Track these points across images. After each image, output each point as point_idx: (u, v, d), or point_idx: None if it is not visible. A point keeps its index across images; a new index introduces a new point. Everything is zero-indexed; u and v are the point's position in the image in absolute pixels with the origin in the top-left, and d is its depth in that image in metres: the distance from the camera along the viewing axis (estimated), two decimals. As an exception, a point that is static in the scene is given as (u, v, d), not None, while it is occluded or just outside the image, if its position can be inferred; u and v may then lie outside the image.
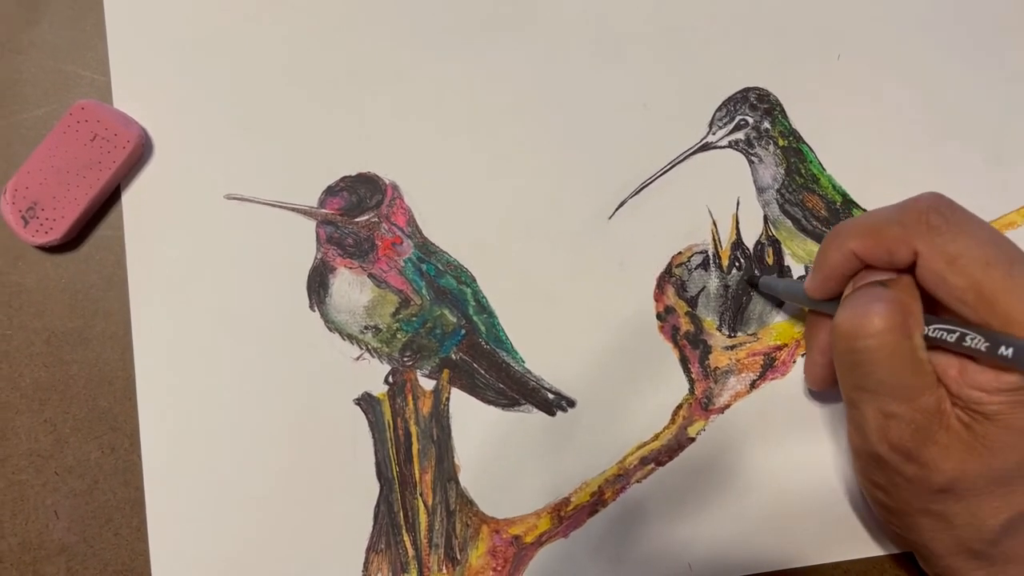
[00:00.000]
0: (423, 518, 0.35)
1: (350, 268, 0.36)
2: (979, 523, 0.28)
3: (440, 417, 0.35)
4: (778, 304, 0.36)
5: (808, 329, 0.34)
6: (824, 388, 0.34)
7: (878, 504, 0.32)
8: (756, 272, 0.36)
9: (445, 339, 0.36)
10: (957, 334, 0.27)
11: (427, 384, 0.36)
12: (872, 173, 0.38)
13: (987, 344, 0.26)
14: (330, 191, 0.36)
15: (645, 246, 0.37)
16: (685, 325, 0.36)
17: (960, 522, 0.29)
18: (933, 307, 0.29)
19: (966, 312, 0.27)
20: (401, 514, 0.35)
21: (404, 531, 0.35)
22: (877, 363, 0.28)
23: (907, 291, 0.28)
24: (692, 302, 0.36)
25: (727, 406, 0.36)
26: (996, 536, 0.28)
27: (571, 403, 0.36)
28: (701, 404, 0.36)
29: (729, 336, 0.36)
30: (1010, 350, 0.26)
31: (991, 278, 0.26)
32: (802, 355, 0.36)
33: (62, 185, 0.34)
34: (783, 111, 0.38)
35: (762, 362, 0.36)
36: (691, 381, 0.36)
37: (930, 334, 0.28)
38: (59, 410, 0.35)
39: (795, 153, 0.38)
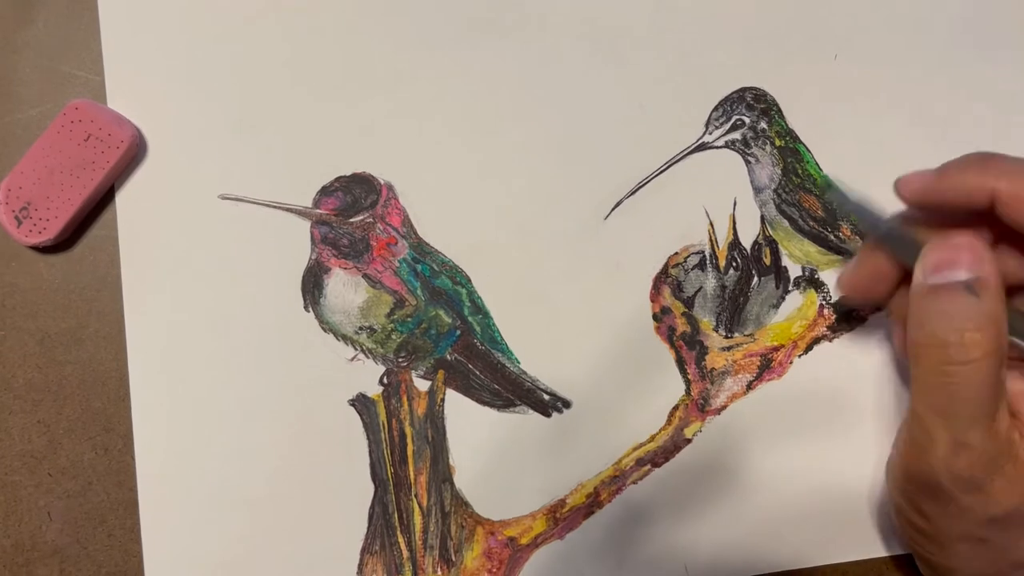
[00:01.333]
0: (418, 519, 0.35)
1: (345, 269, 0.36)
2: (1019, 550, 0.27)
3: (435, 418, 0.35)
4: (771, 305, 0.36)
5: (866, 246, 0.31)
6: (853, 302, 0.32)
7: (913, 528, 0.30)
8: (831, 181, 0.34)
9: (440, 340, 0.36)
10: None
11: (422, 385, 0.36)
12: (869, 173, 0.37)
13: None
14: (325, 191, 0.36)
15: (641, 246, 0.37)
16: (681, 326, 0.36)
17: (1000, 547, 0.28)
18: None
19: None
20: (396, 515, 0.34)
21: (399, 532, 0.34)
22: (969, 387, 0.26)
23: (999, 299, 0.26)
24: (688, 303, 0.36)
25: (723, 407, 0.36)
26: None
27: (567, 404, 0.35)
28: (697, 405, 0.36)
29: (726, 337, 0.36)
30: None
31: None
32: (799, 356, 0.36)
33: (56, 185, 0.34)
34: (780, 111, 0.38)
35: (759, 363, 0.36)
36: (687, 382, 0.36)
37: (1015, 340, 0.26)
38: (52, 411, 0.35)
39: (792, 153, 0.37)
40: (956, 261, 0.26)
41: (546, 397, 0.35)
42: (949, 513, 0.28)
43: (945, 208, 0.28)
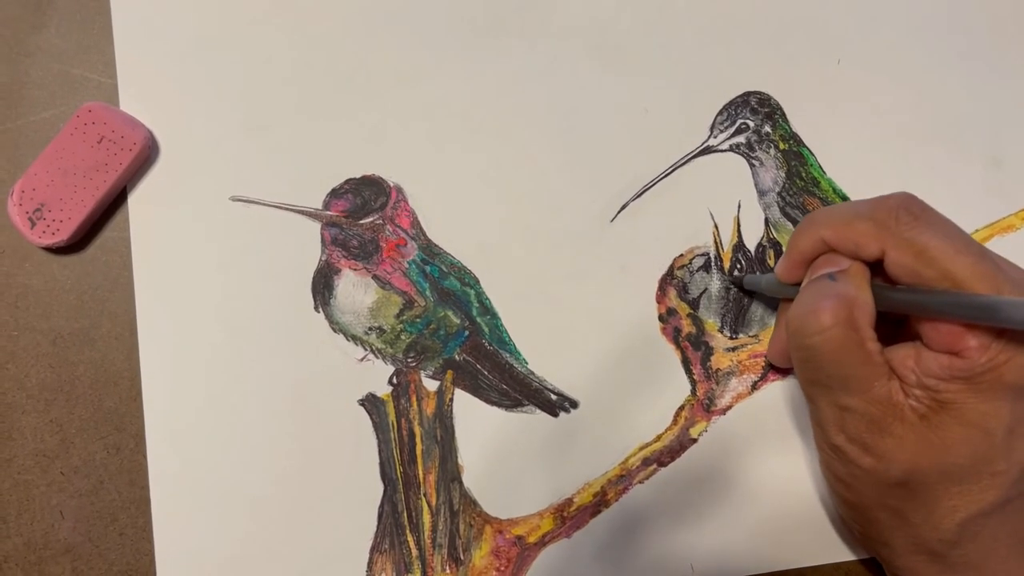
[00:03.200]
0: (427, 518, 0.35)
1: (355, 270, 0.36)
2: (935, 522, 0.29)
3: (444, 418, 0.36)
4: (772, 306, 0.37)
5: (780, 310, 0.35)
6: (784, 365, 0.35)
7: (840, 499, 0.32)
8: (739, 273, 0.37)
9: (449, 340, 0.36)
10: (934, 305, 0.27)
11: (431, 385, 0.36)
12: (872, 176, 0.38)
13: (961, 314, 0.26)
14: (335, 193, 0.37)
15: (647, 248, 0.37)
16: (687, 327, 0.37)
17: (917, 519, 0.29)
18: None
19: None
20: (405, 514, 0.35)
21: (408, 531, 0.35)
22: (825, 358, 0.28)
23: (855, 282, 0.29)
24: (694, 304, 0.37)
25: (729, 407, 0.36)
26: (953, 537, 0.28)
27: (574, 404, 0.36)
28: (703, 405, 0.36)
29: (731, 338, 0.37)
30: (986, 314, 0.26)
31: (961, 265, 0.27)
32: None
33: (69, 187, 0.35)
34: (784, 115, 0.38)
35: (763, 363, 0.36)
36: (693, 382, 0.36)
37: (897, 302, 0.28)
38: (65, 410, 0.35)
39: (796, 156, 0.38)
40: (827, 264, 0.30)
41: (553, 397, 0.36)
42: (857, 477, 0.30)
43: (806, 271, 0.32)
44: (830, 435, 0.30)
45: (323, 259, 0.36)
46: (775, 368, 0.36)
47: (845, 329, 0.28)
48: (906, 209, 0.29)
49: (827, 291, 0.29)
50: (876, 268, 0.30)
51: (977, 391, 0.27)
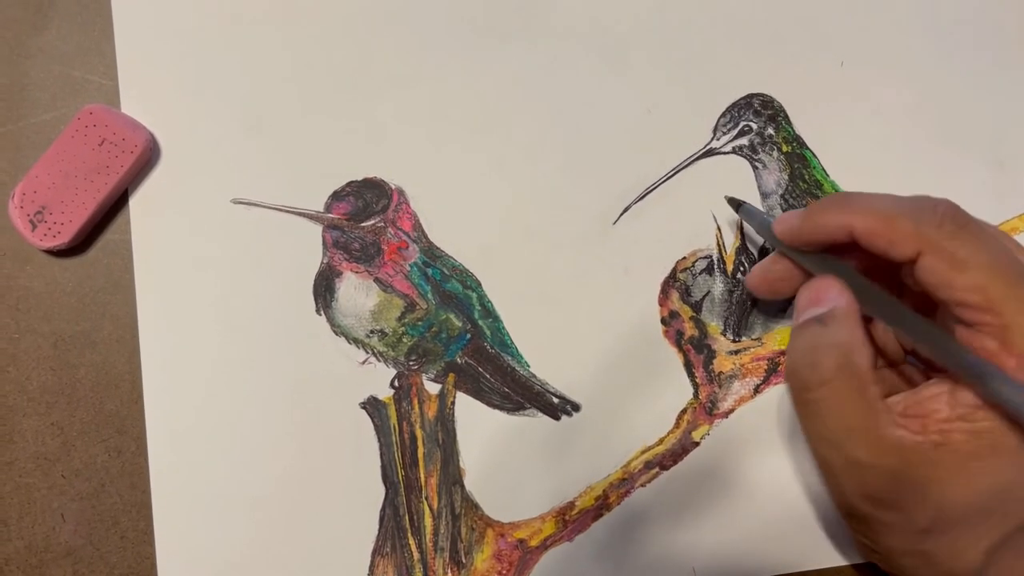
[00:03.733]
0: (428, 522, 0.35)
1: (356, 272, 0.36)
2: (961, 553, 0.28)
3: (445, 421, 0.36)
4: (776, 311, 0.37)
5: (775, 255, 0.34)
6: (763, 294, 0.34)
7: (865, 550, 0.32)
8: (741, 200, 0.36)
9: (450, 343, 0.36)
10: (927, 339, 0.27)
11: (432, 388, 0.36)
12: (875, 179, 0.38)
13: (951, 365, 0.26)
14: (336, 196, 0.37)
15: (649, 251, 0.37)
16: (689, 330, 0.36)
17: (943, 556, 0.28)
18: (920, 303, 0.29)
19: (966, 314, 0.27)
20: (406, 517, 0.35)
21: (409, 534, 0.35)
22: (829, 412, 0.28)
23: (848, 324, 0.28)
24: (696, 307, 0.37)
25: (731, 410, 0.36)
26: (979, 566, 0.28)
27: (576, 407, 0.36)
28: (705, 408, 0.36)
29: (733, 341, 0.36)
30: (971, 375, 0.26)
31: (997, 284, 0.26)
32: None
33: (70, 189, 0.35)
34: (787, 117, 0.38)
35: (766, 367, 0.36)
36: (695, 385, 0.36)
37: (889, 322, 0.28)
38: (66, 413, 0.35)
39: (799, 159, 0.38)
40: (816, 300, 0.29)
41: (555, 400, 0.36)
42: (881, 533, 0.29)
43: (812, 245, 0.31)
44: (847, 496, 0.29)
45: (324, 262, 0.36)
46: (778, 371, 0.36)
47: (845, 378, 0.27)
48: (951, 219, 0.28)
49: (818, 341, 0.28)
50: (889, 269, 0.29)
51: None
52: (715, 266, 0.37)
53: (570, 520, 0.35)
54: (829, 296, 0.29)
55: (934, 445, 0.27)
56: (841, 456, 0.28)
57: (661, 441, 0.36)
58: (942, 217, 0.28)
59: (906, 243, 0.28)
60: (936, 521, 0.28)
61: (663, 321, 0.36)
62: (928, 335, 0.27)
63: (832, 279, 0.30)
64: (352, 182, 0.37)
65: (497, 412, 0.36)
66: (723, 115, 0.38)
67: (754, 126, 0.38)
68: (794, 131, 0.38)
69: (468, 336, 0.36)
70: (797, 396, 0.29)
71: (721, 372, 0.36)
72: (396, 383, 0.36)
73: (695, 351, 0.36)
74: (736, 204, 0.36)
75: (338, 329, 0.36)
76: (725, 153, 0.38)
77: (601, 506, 0.35)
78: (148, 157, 0.36)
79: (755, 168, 0.38)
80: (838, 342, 0.28)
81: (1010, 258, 0.27)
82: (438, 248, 0.37)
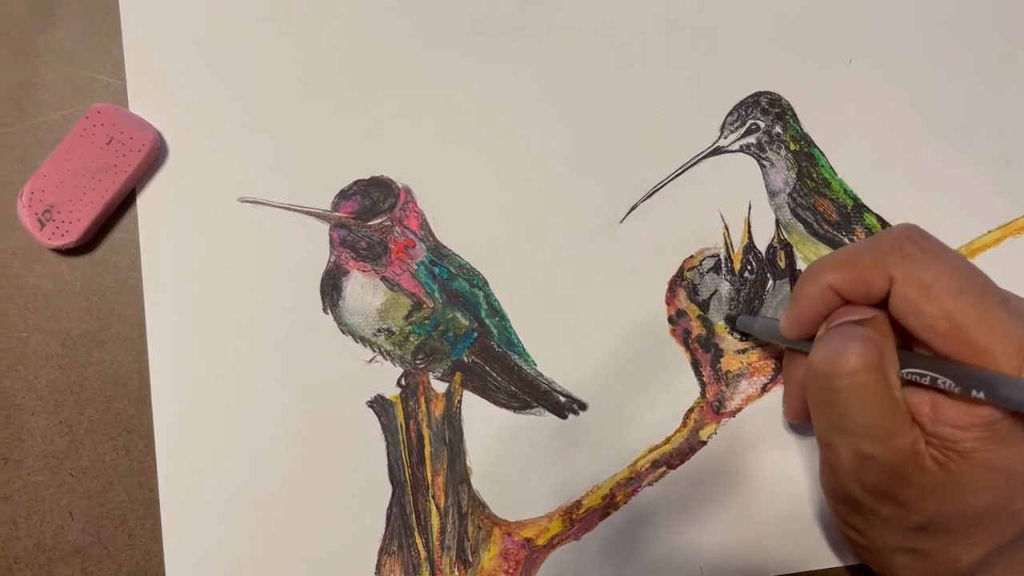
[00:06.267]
0: (435, 520, 0.35)
1: (363, 271, 0.36)
2: (954, 559, 0.28)
3: (452, 420, 0.36)
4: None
5: (786, 364, 0.34)
6: (803, 421, 0.34)
7: (854, 544, 0.32)
8: (732, 312, 0.36)
9: (457, 342, 0.36)
10: (929, 377, 0.27)
11: (439, 387, 0.36)
12: (883, 177, 0.38)
13: (959, 387, 0.26)
14: (343, 195, 0.37)
15: (656, 250, 0.37)
16: (697, 329, 0.36)
17: (935, 558, 0.29)
18: (905, 339, 0.29)
19: (937, 342, 0.27)
20: (413, 516, 0.35)
21: (416, 533, 0.35)
22: (853, 403, 0.27)
23: (882, 329, 0.28)
24: (704, 306, 0.37)
25: (739, 409, 0.36)
26: (970, 571, 0.28)
27: (583, 406, 0.36)
28: (712, 407, 0.36)
29: (740, 339, 0.36)
30: (981, 393, 0.25)
31: (962, 307, 0.26)
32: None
33: (78, 188, 0.35)
34: (794, 115, 0.38)
35: (773, 366, 0.36)
36: (702, 384, 0.36)
37: (904, 376, 0.28)
38: (74, 412, 0.35)
39: (806, 157, 0.38)
40: (848, 313, 0.29)
41: (562, 399, 0.36)
42: (874, 525, 0.29)
43: (815, 326, 0.31)
44: (846, 485, 0.29)
45: (332, 260, 0.36)
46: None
47: (875, 374, 0.27)
48: (910, 240, 0.28)
49: (854, 334, 0.28)
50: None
51: (997, 437, 0.26)
52: (722, 265, 0.37)
53: (577, 519, 0.35)
54: (865, 310, 0.29)
55: (944, 455, 0.27)
56: (851, 446, 0.28)
57: (668, 440, 0.36)
58: (900, 241, 0.28)
59: (875, 277, 0.28)
60: (932, 521, 0.28)
61: (670, 320, 0.36)
62: (926, 363, 0.27)
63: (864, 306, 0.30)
64: (359, 181, 0.37)
65: (504, 411, 0.36)
66: (730, 113, 0.38)
67: (762, 124, 0.38)
68: (802, 129, 0.38)
69: (475, 335, 0.36)
70: (819, 383, 0.28)
71: (728, 371, 0.36)
72: (403, 382, 0.36)
73: (702, 350, 0.36)
74: (732, 321, 0.36)
75: (345, 328, 0.36)
76: (732, 152, 0.38)
77: (608, 505, 0.35)
78: (156, 156, 0.36)
79: (763, 167, 0.37)
80: (872, 338, 0.28)
81: (974, 275, 0.27)
82: (445, 247, 0.37)
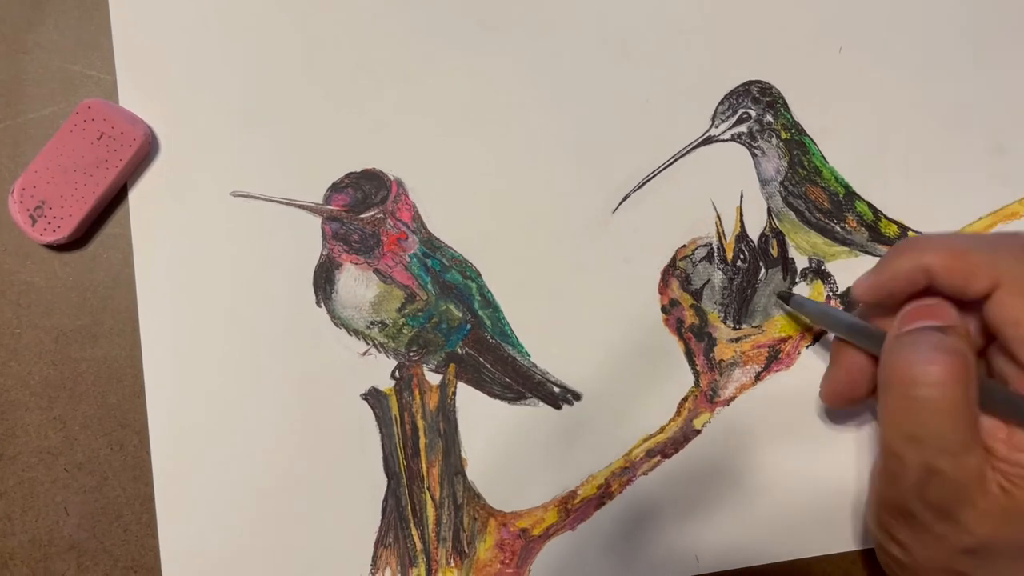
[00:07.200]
0: (431, 512, 0.35)
1: (356, 264, 0.36)
2: None
3: (447, 411, 0.36)
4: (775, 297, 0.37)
5: (835, 348, 0.33)
6: (837, 406, 0.34)
7: (891, 559, 0.31)
8: (789, 289, 0.36)
9: (451, 334, 0.36)
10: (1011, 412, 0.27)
11: (433, 379, 0.36)
12: (874, 165, 0.38)
13: None
14: (335, 188, 0.37)
15: (649, 239, 0.37)
16: (690, 318, 0.36)
17: None
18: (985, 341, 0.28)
19: None
20: (409, 508, 0.35)
21: (412, 525, 0.35)
22: (933, 414, 0.27)
23: (967, 340, 0.27)
24: (696, 295, 0.37)
25: (732, 398, 0.36)
26: None
27: (577, 396, 0.36)
28: (707, 396, 0.36)
29: (734, 328, 0.36)
30: None
31: None
32: (807, 346, 0.36)
33: (69, 184, 0.35)
34: (785, 104, 0.38)
35: (767, 354, 0.36)
36: (696, 373, 0.36)
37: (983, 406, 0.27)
38: (68, 407, 0.35)
39: (798, 146, 0.38)
40: (929, 315, 0.28)
41: (556, 390, 0.36)
42: (924, 542, 0.29)
43: (896, 297, 0.30)
44: (906, 497, 0.28)
45: (324, 254, 0.36)
46: (778, 358, 0.36)
47: (961, 388, 0.26)
48: None
49: (941, 344, 0.27)
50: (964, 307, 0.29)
51: None
52: (715, 254, 0.37)
53: (572, 509, 0.35)
54: (947, 314, 0.28)
55: (1010, 481, 0.27)
56: (922, 458, 0.27)
57: (662, 429, 0.36)
58: (1019, 250, 0.27)
59: (982, 276, 0.27)
60: (985, 545, 0.27)
61: (663, 309, 0.36)
62: (1010, 399, 0.27)
63: (938, 299, 0.29)
64: (351, 173, 0.37)
65: (498, 402, 0.36)
66: (721, 102, 0.38)
67: (753, 113, 0.38)
68: (793, 118, 0.38)
69: (468, 326, 0.36)
70: (899, 390, 0.27)
71: (722, 360, 0.36)
72: (397, 374, 0.36)
73: (696, 339, 0.36)
74: (786, 297, 0.36)
75: (338, 321, 0.36)
76: (724, 141, 0.38)
77: (603, 495, 0.35)
78: (147, 151, 0.36)
79: (754, 155, 0.38)
80: (962, 351, 0.27)
81: None
82: (437, 239, 0.37)
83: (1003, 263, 0.27)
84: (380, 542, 0.35)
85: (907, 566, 0.30)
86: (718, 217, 0.37)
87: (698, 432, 0.36)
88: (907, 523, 0.29)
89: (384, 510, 0.35)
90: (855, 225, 0.37)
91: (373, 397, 0.35)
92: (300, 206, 0.36)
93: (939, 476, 0.27)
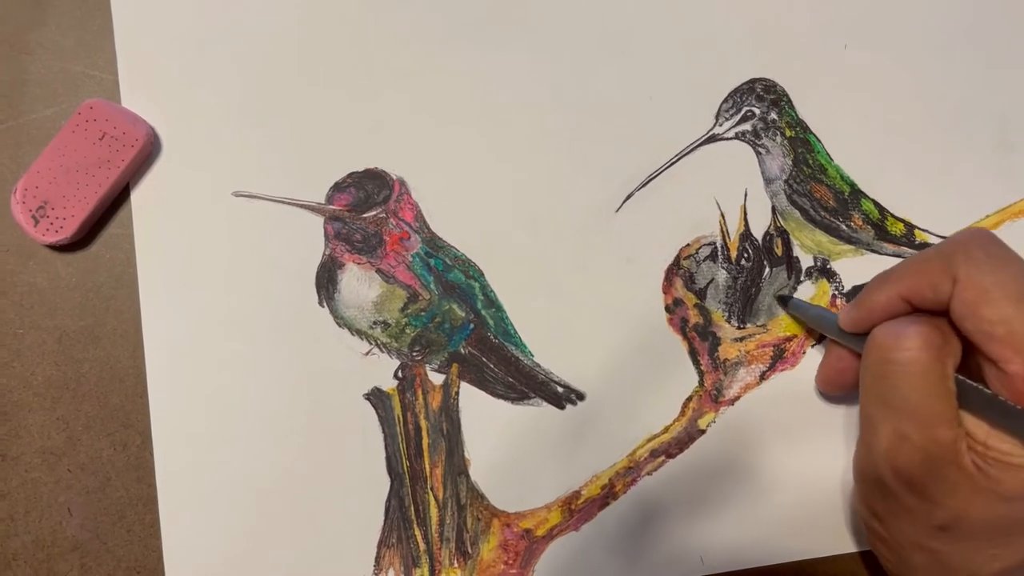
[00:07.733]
0: (434, 512, 0.35)
1: (358, 264, 0.36)
2: (974, 568, 0.28)
3: (450, 411, 0.35)
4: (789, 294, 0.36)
5: (831, 340, 0.34)
6: (830, 390, 0.34)
7: (873, 534, 0.32)
8: (789, 293, 0.36)
9: (454, 333, 0.36)
10: (985, 406, 0.27)
11: (436, 378, 0.36)
12: (880, 162, 0.37)
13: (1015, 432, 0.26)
14: (338, 187, 0.36)
15: (653, 238, 0.37)
16: (694, 317, 0.36)
17: (954, 564, 0.28)
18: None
19: (991, 346, 0.27)
20: (412, 508, 0.35)
21: (415, 525, 0.35)
22: (906, 378, 0.28)
23: (945, 323, 0.28)
24: (701, 294, 0.36)
25: (737, 398, 0.36)
26: None
27: (580, 396, 0.36)
28: (711, 396, 0.36)
29: (738, 328, 0.36)
30: None
31: (1022, 314, 0.26)
32: (812, 346, 0.36)
33: (72, 184, 0.35)
34: (790, 101, 0.38)
35: (771, 353, 0.36)
36: (701, 373, 0.36)
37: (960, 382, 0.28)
38: (71, 408, 0.35)
39: (802, 143, 0.37)
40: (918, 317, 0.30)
41: (560, 389, 0.36)
42: (897, 515, 0.29)
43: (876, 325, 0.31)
44: (878, 466, 0.29)
45: (327, 253, 0.36)
46: (783, 358, 0.36)
47: (933, 356, 0.27)
48: (978, 244, 0.28)
49: (919, 319, 0.28)
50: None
51: None
52: (719, 253, 0.37)
53: (576, 509, 0.35)
54: (924, 316, 0.29)
55: (985, 461, 0.27)
56: (892, 424, 0.28)
57: (667, 429, 0.36)
58: (966, 244, 0.28)
59: (942, 280, 0.28)
60: (956, 523, 0.27)
61: (667, 309, 0.36)
62: (989, 400, 0.27)
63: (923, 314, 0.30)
64: (353, 173, 0.37)
65: (501, 402, 0.36)
66: (725, 100, 0.37)
67: (757, 111, 0.37)
68: (797, 115, 0.38)
69: (471, 326, 0.36)
70: (877, 355, 0.29)
71: (726, 359, 0.36)
72: (400, 374, 0.36)
73: (700, 338, 0.36)
74: (784, 300, 0.36)
75: (341, 321, 0.36)
76: (728, 139, 0.37)
77: (607, 495, 0.35)
78: (149, 151, 0.36)
79: (758, 154, 0.37)
80: (937, 325, 0.28)
81: None
82: (440, 238, 0.36)
83: (956, 262, 0.28)
84: (383, 543, 0.34)
85: (887, 541, 0.31)
86: (722, 216, 0.37)
87: (702, 432, 0.35)
88: (882, 495, 0.30)
89: (387, 510, 0.35)
90: (861, 223, 0.37)
91: (376, 397, 0.35)
92: (302, 206, 0.36)
93: (907, 442, 0.28)
